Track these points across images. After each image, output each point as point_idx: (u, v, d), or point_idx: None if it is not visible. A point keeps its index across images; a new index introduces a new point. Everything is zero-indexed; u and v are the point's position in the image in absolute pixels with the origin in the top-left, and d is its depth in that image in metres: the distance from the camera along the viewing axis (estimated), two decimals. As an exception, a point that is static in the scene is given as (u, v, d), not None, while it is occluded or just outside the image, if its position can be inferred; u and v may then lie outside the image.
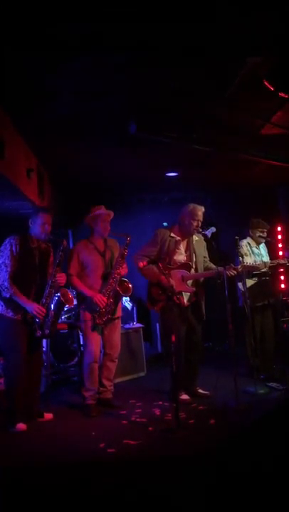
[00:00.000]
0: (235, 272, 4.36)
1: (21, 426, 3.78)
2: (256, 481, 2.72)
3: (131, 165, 5.91)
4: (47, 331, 3.91)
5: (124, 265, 4.35)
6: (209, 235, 4.45)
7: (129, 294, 4.48)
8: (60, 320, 5.46)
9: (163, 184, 7.01)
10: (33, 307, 3.81)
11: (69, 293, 4.16)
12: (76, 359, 5.39)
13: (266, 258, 5.25)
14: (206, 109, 4.23)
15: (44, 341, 4.92)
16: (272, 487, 2.64)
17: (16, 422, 3.78)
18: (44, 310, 3.87)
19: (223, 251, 4.56)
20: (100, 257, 4.38)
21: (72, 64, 3.29)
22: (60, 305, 4.07)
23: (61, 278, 4.01)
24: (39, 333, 3.89)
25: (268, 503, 2.50)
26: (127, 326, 5.78)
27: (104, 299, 4.21)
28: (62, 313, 5.56)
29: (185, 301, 4.45)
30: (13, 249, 3.86)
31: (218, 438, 3.48)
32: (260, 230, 5.23)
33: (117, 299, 4.32)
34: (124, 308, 6.09)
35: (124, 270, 4.35)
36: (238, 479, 2.74)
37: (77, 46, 3.04)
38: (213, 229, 4.53)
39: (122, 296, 4.35)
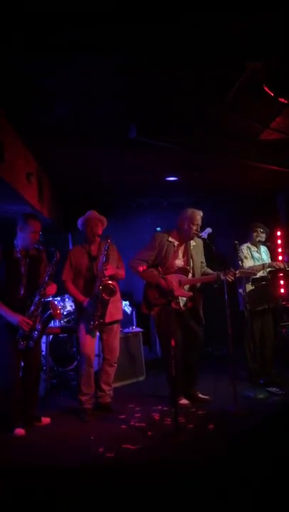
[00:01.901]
0: (233, 278, 4.35)
1: (20, 431, 3.75)
2: (256, 485, 2.71)
3: (130, 169, 5.93)
4: (31, 343, 3.79)
5: (109, 266, 4.26)
6: (206, 236, 4.44)
7: (114, 296, 4.30)
8: (59, 324, 5.48)
9: (162, 188, 7.03)
10: (17, 319, 3.71)
11: (58, 307, 4.09)
12: (75, 363, 5.39)
13: (267, 262, 5.25)
14: (206, 114, 4.25)
15: (43, 345, 4.92)
16: (272, 492, 2.64)
17: (15, 427, 3.76)
18: (30, 322, 3.75)
19: (222, 255, 4.55)
20: (91, 262, 4.35)
21: (72, 67, 3.30)
22: (48, 319, 3.99)
23: (51, 289, 3.90)
24: (22, 344, 3.76)
25: (267, 508, 2.49)
26: (126, 330, 5.77)
27: (92, 302, 4.18)
28: (62, 316, 5.56)
29: (181, 305, 4.45)
30: None
31: (217, 443, 3.47)
32: (258, 229, 5.25)
33: (104, 303, 4.22)
34: (124, 312, 6.08)
35: (109, 271, 4.25)
36: (238, 484, 2.74)
37: (77, 48, 3.05)
38: (209, 229, 4.51)
39: (107, 300, 4.23)
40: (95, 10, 2.66)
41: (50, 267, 3.90)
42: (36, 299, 3.83)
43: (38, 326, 3.83)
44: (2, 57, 3.12)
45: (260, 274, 5.07)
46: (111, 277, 4.28)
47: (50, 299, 5.33)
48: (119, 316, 4.51)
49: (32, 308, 3.81)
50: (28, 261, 3.90)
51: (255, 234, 5.26)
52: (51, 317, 3.99)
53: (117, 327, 4.49)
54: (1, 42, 2.93)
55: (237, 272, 4.40)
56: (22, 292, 3.83)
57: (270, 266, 5.10)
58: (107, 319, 4.30)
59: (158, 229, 4.85)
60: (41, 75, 3.41)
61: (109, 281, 4.25)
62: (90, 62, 3.27)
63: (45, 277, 3.88)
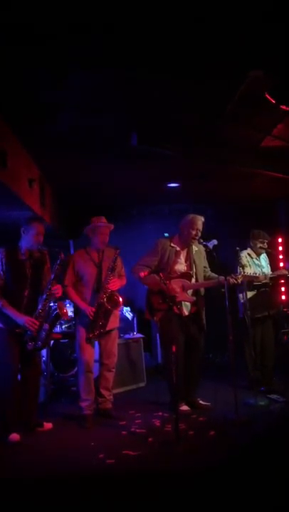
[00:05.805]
0: (235, 281, 4.35)
1: (14, 436, 3.72)
2: (256, 493, 2.70)
3: (132, 176, 5.95)
4: (39, 344, 3.83)
5: (115, 279, 4.26)
6: (211, 247, 4.45)
7: (119, 308, 4.29)
8: (60, 330, 5.47)
9: (164, 196, 7.05)
10: (24, 320, 3.74)
11: (64, 307, 4.12)
12: (76, 369, 5.37)
13: (267, 269, 5.25)
14: (207, 122, 4.27)
15: (44, 351, 4.91)
16: (273, 500, 2.63)
17: (9, 433, 3.72)
18: (37, 322, 3.78)
19: (224, 262, 4.55)
20: (95, 269, 4.32)
21: (74, 78, 3.33)
22: (56, 318, 4.02)
23: (57, 290, 3.93)
24: (30, 345, 3.80)
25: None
26: (127, 336, 5.77)
27: (95, 312, 4.17)
28: (62, 322, 5.55)
29: (184, 311, 4.45)
30: (0, 263, 3.79)
31: (217, 450, 3.45)
32: (260, 240, 5.24)
33: (107, 313, 4.22)
34: (125, 318, 6.08)
35: (114, 285, 4.24)
36: (238, 492, 2.73)
37: (79, 60, 3.07)
38: (214, 241, 4.52)
39: (110, 311, 4.22)
40: (95, 22, 2.69)
41: (56, 266, 3.92)
42: (43, 298, 3.87)
43: (46, 326, 3.85)
44: (5, 70, 3.15)
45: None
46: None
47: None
48: (117, 324, 4.50)
49: (39, 307, 3.85)
50: (32, 263, 3.93)
51: (259, 243, 5.24)
52: (58, 317, 4.02)
53: (115, 333, 4.48)
54: (4, 54, 2.96)
55: (239, 276, 4.41)
56: (26, 294, 3.87)
57: (271, 274, 5.09)
58: (107, 327, 4.29)
59: (166, 234, 4.87)
60: (44, 87, 3.44)
61: (115, 293, 4.24)
62: (91, 74, 3.30)
63: (51, 275, 3.91)
